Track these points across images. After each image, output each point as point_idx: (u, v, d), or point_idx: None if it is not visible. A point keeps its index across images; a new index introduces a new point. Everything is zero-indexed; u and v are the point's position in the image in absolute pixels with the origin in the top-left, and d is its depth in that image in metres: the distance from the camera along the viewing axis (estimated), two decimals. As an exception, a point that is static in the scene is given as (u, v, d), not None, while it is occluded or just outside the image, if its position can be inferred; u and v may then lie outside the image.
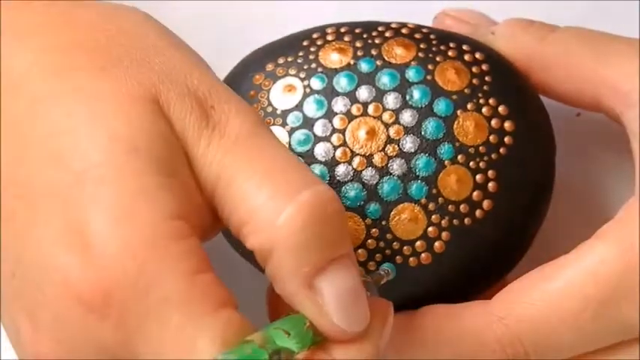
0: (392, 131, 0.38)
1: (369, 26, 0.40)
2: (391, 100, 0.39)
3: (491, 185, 0.38)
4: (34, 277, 0.32)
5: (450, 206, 0.38)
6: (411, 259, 0.38)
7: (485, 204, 0.38)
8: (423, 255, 0.38)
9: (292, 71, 0.40)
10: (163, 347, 0.31)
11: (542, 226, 0.40)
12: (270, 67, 0.40)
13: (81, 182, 0.32)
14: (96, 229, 0.31)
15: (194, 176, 0.33)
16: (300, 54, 0.40)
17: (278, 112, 0.39)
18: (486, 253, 0.38)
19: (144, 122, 0.32)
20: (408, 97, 0.39)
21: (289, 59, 0.40)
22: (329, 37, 0.40)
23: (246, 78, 0.40)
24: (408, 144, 0.38)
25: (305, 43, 0.40)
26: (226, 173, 0.33)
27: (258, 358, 0.31)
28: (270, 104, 0.39)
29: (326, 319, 0.32)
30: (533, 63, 0.40)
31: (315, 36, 0.40)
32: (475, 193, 0.38)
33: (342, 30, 0.40)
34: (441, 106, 0.38)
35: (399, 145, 0.38)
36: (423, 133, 0.38)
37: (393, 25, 0.40)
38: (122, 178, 0.32)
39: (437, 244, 0.38)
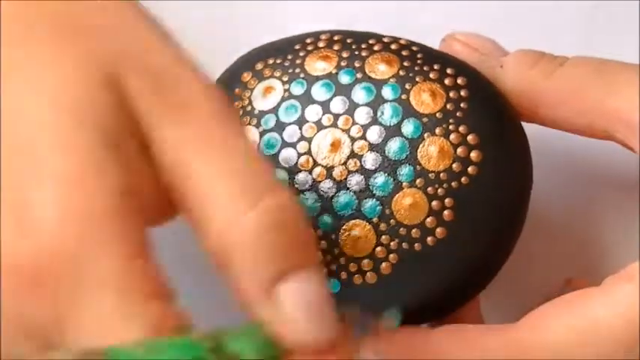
0: (357, 146, 0.38)
1: (363, 37, 0.40)
2: (362, 115, 0.38)
3: (446, 213, 0.37)
4: None
5: (401, 229, 0.37)
6: (356, 276, 0.38)
7: (439, 232, 0.37)
8: (368, 274, 0.38)
9: (277, 73, 0.40)
10: (91, 331, 0.30)
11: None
12: (259, 66, 0.40)
13: (22, 152, 0.31)
14: (35, 199, 0.30)
15: (148, 159, 0.32)
16: (289, 57, 0.40)
17: (255, 112, 0.40)
18: (436, 283, 0.38)
19: (95, 95, 0.31)
20: (379, 114, 0.38)
21: (278, 61, 0.40)
22: (320, 44, 0.40)
23: (237, 75, 0.41)
24: (370, 161, 0.38)
25: (297, 47, 0.40)
26: (186, 164, 0.31)
27: (191, 351, 0.29)
28: (250, 103, 0.40)
29: (288, 328, 0.31)
30: (541, 99, 0.39)
31: (308, 41, 0.41)
32: (429, 220, 0.37)
33: (336, 38, 0.40)
34: (409, 127, 0.38)
35: (360, 161, 0.38)
36: (386, 152, 0.38)
37: (385, 39, 0.40)
38: (67, 149, 0.30)
39: (384, 265, 0.38)
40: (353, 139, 0.38)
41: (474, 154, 0.38)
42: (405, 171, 0.38)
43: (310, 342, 0.31)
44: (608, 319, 0.36)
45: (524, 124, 0.40)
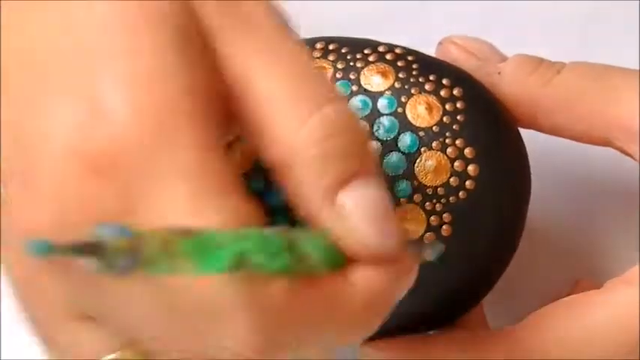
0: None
1: (358, 46, 0.40)
2: (358, 129, 0.38)
3: (444, 228, 0.37)
4: (35, 147, 0.31)
5: None
6: None
7: (437, 247, 0.37)
8: None
9: (272, 85, 0.39)
10: (165, 222, 0.29)
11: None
12: None
13: (95, 50, 0.30)
14: (108, 94, 0.30)
15: (211, 66, 0.31)
16: (284, 68, 0.40)
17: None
18: (435, 296, 0.38)
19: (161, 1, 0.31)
20: (375, 128, 0.38)
21: None
22: (315, 54, 0.40)
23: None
24: (366, 177, 0.38)
25: (292, 57, 0.40)
26: (249, 72, 0.31)
27: (271, 244, 0.29)
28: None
29: (352, 235, 0.30)
30: (539, 106, 0.39)
31: (303, 50, 0.40)
32: (427, 235, 0.37)
33: (331, 47, 0.40)
34: (405, 141, 0.38)
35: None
36: (383, 167, 0.38)
37: (381, 49, 0.39)
38: (140, 48, 0.30)
39: None
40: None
41: (471, 168, 0.38)
42: (402, 186, 0.37)
43: (372, 249, 0.31)
44: (609, 322, 0.36)
45: (522, 130, 0.40)
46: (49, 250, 0.23)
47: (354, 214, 0.30)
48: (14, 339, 0.43)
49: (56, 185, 0.30)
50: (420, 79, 0.38)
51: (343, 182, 0.30)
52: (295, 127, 0.30)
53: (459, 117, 0.38)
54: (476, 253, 0.38)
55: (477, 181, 0.38)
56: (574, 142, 0.40)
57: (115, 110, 0.30)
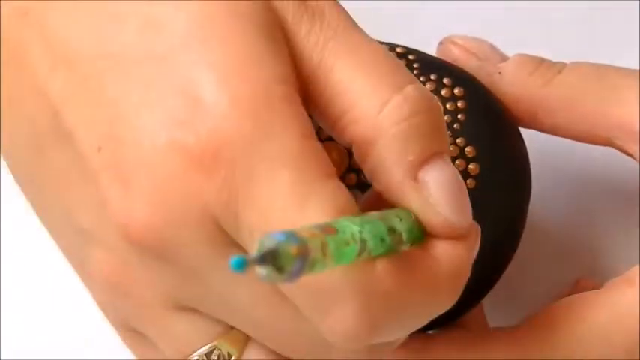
0: (354, 161, 0.38)
1: (358, 46, 0.40)
2: (359, 129, 0.38)
3: (445, 227, 0.37)
4: (130, 144, 0.31)
5: None
6: None
7: (438, 246, 0.37)
8: None
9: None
10: (269, 209, 0.29)
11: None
12: None
13: (185, 44, 0.31)
14: (205, 87, 0.30)
15: (292, 58, 0.32)
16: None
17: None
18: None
19: None
20: (376, 128, 0.38)
21: None
22: (316, 54, 0.40)
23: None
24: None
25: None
26: (328, 60, 0.32)
27: (378, 229, 0.29)
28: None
29: (433, 211, 0.31)
30: (540, 106, 0.39)
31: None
32: None
33: (332, 47, 0.40)
34: (406, 140, 0.38)
35: (358, 176, 0.38)
36: None
37: (381, 49, 0.40)
38: (229, 39, 0.31)
39: None
40: (351, 154, 0.38)
41: (471, 167, 0.38)
42: (402, 185, 0.37)
43: (451, 224, 0.31)
44: (609, 322, 0.37)
45: (522, 130, 0.40)
46: (245, 264, 0.24)
47: (435, 191, 0.31)
48: (14, 339, 0.43)
49: (156, 181, 0.30)
50: (421, 79, 0.39)
51: (425, 160, 0.31)
52: (378, 106, 0.31)
53: (459, 116, 0.38)
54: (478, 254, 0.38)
55: (478, 181, 0.38)
56: (574, 142, 0.40)
57: (213, 101, 0.30)
